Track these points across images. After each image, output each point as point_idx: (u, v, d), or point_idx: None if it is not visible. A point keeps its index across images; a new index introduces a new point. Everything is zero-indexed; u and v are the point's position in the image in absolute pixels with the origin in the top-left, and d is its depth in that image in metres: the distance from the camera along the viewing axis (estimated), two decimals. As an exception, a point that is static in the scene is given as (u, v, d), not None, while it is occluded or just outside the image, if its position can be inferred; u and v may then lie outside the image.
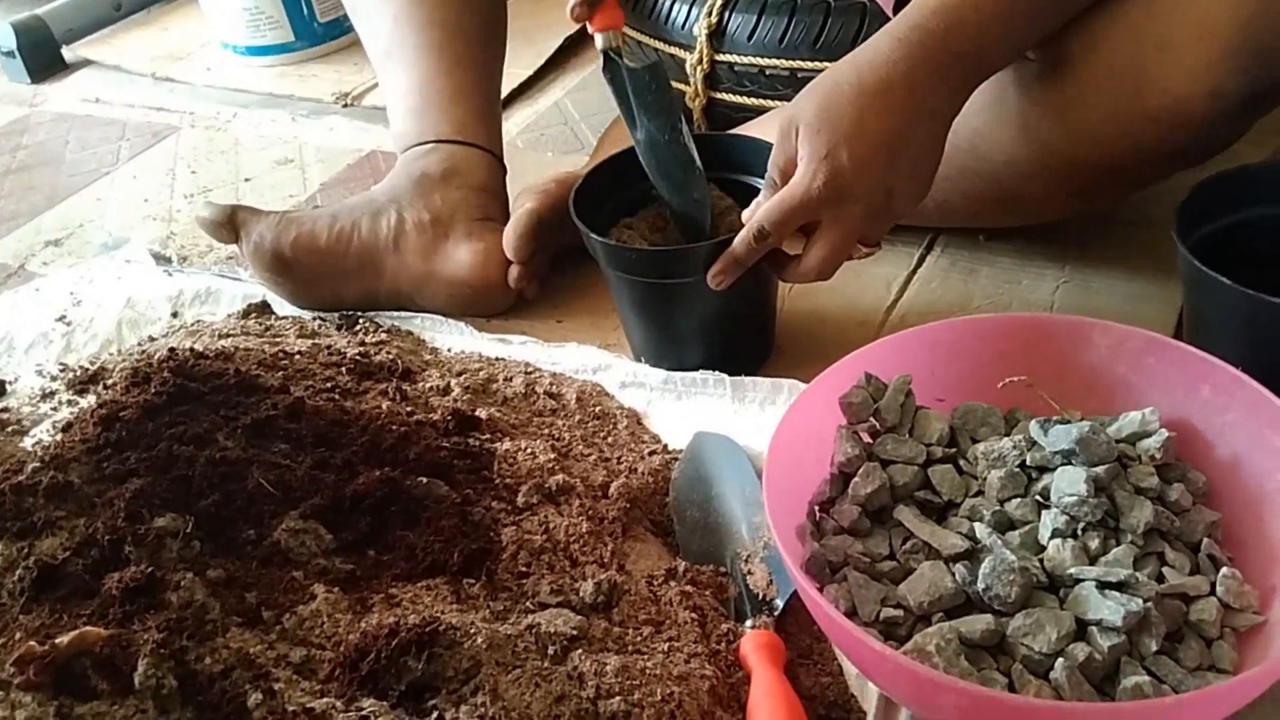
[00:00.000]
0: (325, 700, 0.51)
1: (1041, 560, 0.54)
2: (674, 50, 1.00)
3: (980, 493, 0.60)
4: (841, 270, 0.72)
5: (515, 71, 1.29)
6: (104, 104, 1.41)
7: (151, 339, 0.89)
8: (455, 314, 0.89)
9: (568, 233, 0.80)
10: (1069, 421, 0.59)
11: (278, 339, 0.84)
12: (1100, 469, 0.56)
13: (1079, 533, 0.55)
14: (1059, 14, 0.69)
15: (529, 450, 0.70)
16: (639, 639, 0.57)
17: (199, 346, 0.79)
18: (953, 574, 0.54)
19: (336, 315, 0.90)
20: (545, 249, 0.89)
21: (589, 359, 0.82)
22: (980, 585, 0.53)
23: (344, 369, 0.78)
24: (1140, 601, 0.51)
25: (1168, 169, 0.75)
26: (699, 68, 0.97)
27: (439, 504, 0.64)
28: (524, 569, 0.61)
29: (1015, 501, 0.58)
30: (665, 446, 0.73)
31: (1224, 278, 0.64)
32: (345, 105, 1.33)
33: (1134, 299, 0.84)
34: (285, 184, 1.18)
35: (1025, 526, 0.56)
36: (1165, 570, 0.55)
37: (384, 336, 0.86)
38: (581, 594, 0.59)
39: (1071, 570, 0.53)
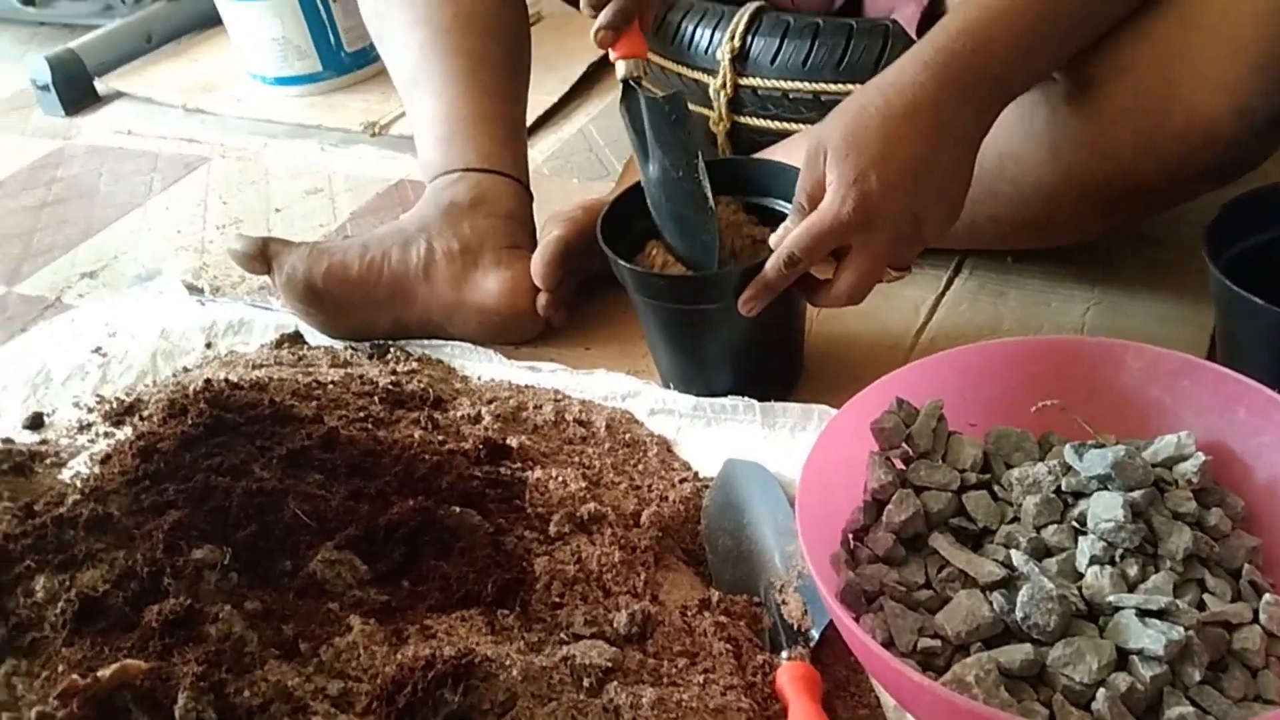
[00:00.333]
0: (363, 733, 0.52)
1: (1080, 588, 0.54)
2: (697, 75, 1.00)
3: (1016, 519, 0.59)
4: (870, 294, 0.72)
5: (540, 99, 1.30)
6: (136, 136, 1.44)
7: (186, 370, 0.90)
8: (485, 342, 0.90)
9: (595, 259, 0.81)
10: (1104, 445, 0.59)
11: (311, 369, 0.84)
12: (1137, 494, 0.56)
13: (1117, 559, 0.55)
14: (1084, 35, 0.69)
15: (560, 479, 0.70)
16: (674, 671, 0.57)
17: (233, 377, 0.80)
18: (990, 602, 0.54)
19: (368, 344, 0.90)
20: (573, 276, 0.89)
21: (618, 386, 0.82)
22: (1018, 614, 0.52)
23: (376, 398, 0.79)
24: (1182, 630, 0.50)
25: (1196, 188, 0.74)
26: (723, 92, 0.98)
27: (472, 534, 0.65)
28: (557, 599, 0.62)
29: (1051, 528, 0.57)
30: (696, 474, 0.74)
31: (1257, 298, 0.63)
32: (373, 134, 1.34)
33: (1165, 320, 0.84)
34: (315, 213, 1.19)
35: (1062, 553, 0.56)
36: (1206, 597, 0.54)
37: (415, 365, 0.86)
38: (615, 625, 0.59)
39: (1110, 598, 0.53)
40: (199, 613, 0.57)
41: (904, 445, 0.63)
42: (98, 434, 0.80)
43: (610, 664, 0.55)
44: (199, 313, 0.97)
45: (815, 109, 0.93)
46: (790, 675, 0.56)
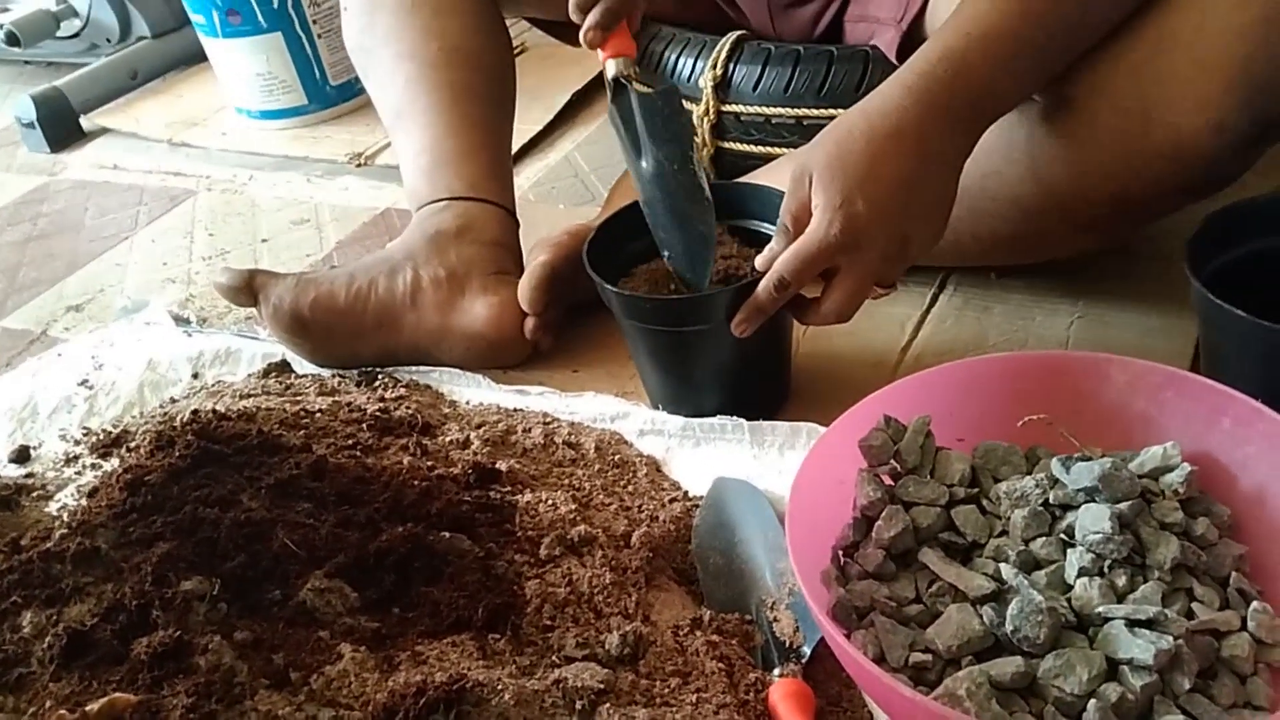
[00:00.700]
0: (355, 761, 0.51)
1: (1069, 600, 0.54)
2: (681, 101, 1.01)
3: (1004, 533, 0.59)
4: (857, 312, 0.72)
5: (525, 127, 1.31)
6: (121, 170, 1.44)
7: (173, 400, 0.90)
8: (473, 367, 0.90)
9: (581, 284, 0.81)
10: (1090, 458, 0.59)
11: (298, 397, 0.84)
12: (1124, 505, 0.56)
13: (1105, 570, 0.55)
14: (1064, 56, 0.70)
15: (550, 501, 0.70)
16: (667, 691, 0.57)
17: (221, 407, 0.80)
18: (980, 616, 0.54)
19: (355, 372, 0.90)
20: (560, 300, 0.89)
21: (606, 408, 0.83)
22: (1009, 627, 0.52)
23: (365, 425, 0.79)
24: (1171, 639, 0.51)
25: (1176, 203, 0.75)
26: (706, 118, 0.99)
27: (462, 559, 0.64)
28: (549, 622, 0.61)
29: (1040, 541, 0.58)
30: (686, 493, 0.74)
31: (1238, 310, 0.64)
32: (359, 165, 1.35)
33: (1149, 332, 0.84)
34: (302, 244, 1.19)
35: (1051, 566, 0.56)
36: (1194, 606, 0.54)
37: (403, 391, 0.86)
38: (607, 646, 0.59)
39: (1100, 609, 0.53)
40: (188, 644, 0.57)
41: (892, 461, 0.63)
42: (84, 466, 0.80)
43: (603, 686, 0.55)
44: (186, 343, 0.97)
45: (798, 134, 0.94)
46: (783, 692, 0.56)
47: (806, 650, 0.60)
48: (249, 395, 0.86)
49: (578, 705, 0.54)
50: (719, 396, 0.79)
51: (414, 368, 0.90)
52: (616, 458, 0.77)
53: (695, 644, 0.60)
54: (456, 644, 0.59)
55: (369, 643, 0.60)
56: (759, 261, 0.73)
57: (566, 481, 0.74)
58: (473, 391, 0.88)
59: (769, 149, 0.98)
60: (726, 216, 0.83)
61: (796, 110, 0.94)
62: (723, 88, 0.98)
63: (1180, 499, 0.58)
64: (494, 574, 0.64)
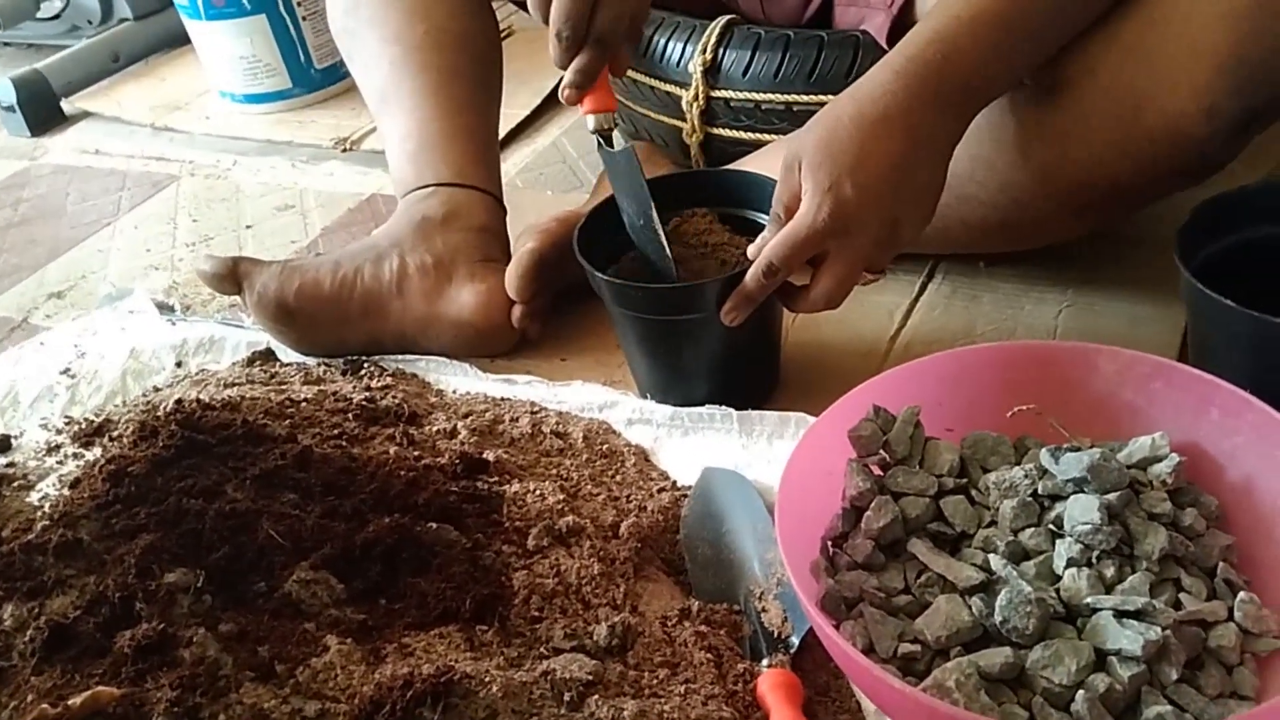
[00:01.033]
0: (341, 754, 0.51)
1: (1057, 590, 0.54)
2: (670, 88, 1.01)
3: (993, 523, 0.59)
4: (846, 299, 0.72)
5: (512, 112, 1.30)
6: (104, 155, 1.42)
7: (156, 389, 0.89)
8: (460, 355, 0.89)
9: (570, 271, 0.81)
10: (1079, 449, 0.59)
11: (283, 386, 0.84)
12: (1112, 496, 0.56)
13: (1094, 561, 0.55)
14: (1054, 40, 0.70)
15: (538, 492, 0.70)
16: (655, 682, 0.56)
17: (205, 396, 0.79)
18: (969, 607, 0.54)
19: (341, 360, 0.90)
20: (548, 288, 0.89)
21: (594, 397, 0.82)
22: (997, 618, 0.52)
23: (350, 415, 0.78)
24: (1159, 629, 0.51)
25: (1167, 188, 0.75)
26: (695, 104, 0.98)
27: (449, 550, 0.64)
28: (537, 613, 0.61)
29: (1029, 531, 0.57)
30: (674, 483, 0.73)
31: (1228, 300, 0.64)
32: (344, 150, 1.34)
33: (1138, 321, 0.84)
34: (287, 230, 1.18)
35: (1040, 556, 0.56)
36: (1182, 596, 0.54)
37: (389, 380, 0.86)
38: (595, 637, 0.59)
39: (1088, 599, 0.53)
40: (172, 637, 0.56)
41: (881, 452, 0.63)
42: (66, 455, 0.79)
43: (591, 677, 0.55)
44: (169, 331, 0.96)
45: (788, 120, 0.94)
46: (771, 683, 0.56)
47: (795, 641, 0.60)
48: (233, 384, 0.85)
49: (566, 697, 0.54)
50: (708, 385, 0.79)
51: (400, 356, 0.90)
52: (604, 447, 0.76)
53: (683, 635, 0.60)
54: (444, 635, 0.59)
55: (355, 634, 0.59)
56: (751, 250, 0.72)
57: (554, 471, 0.74)
58: (460, 380, 0.87)
59: (759, 135, 0.97)
60: (718, 205, 0.82)
61: (786, 96, 0.93)
62: (712, 73, 0.97)
63: (1168, 489, 0.58)
64: (481, 565, 0.63)
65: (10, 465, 0.78)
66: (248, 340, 0.94)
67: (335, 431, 0.76)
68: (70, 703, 0.51)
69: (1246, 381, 0.59)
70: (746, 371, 0.80)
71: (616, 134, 0.81)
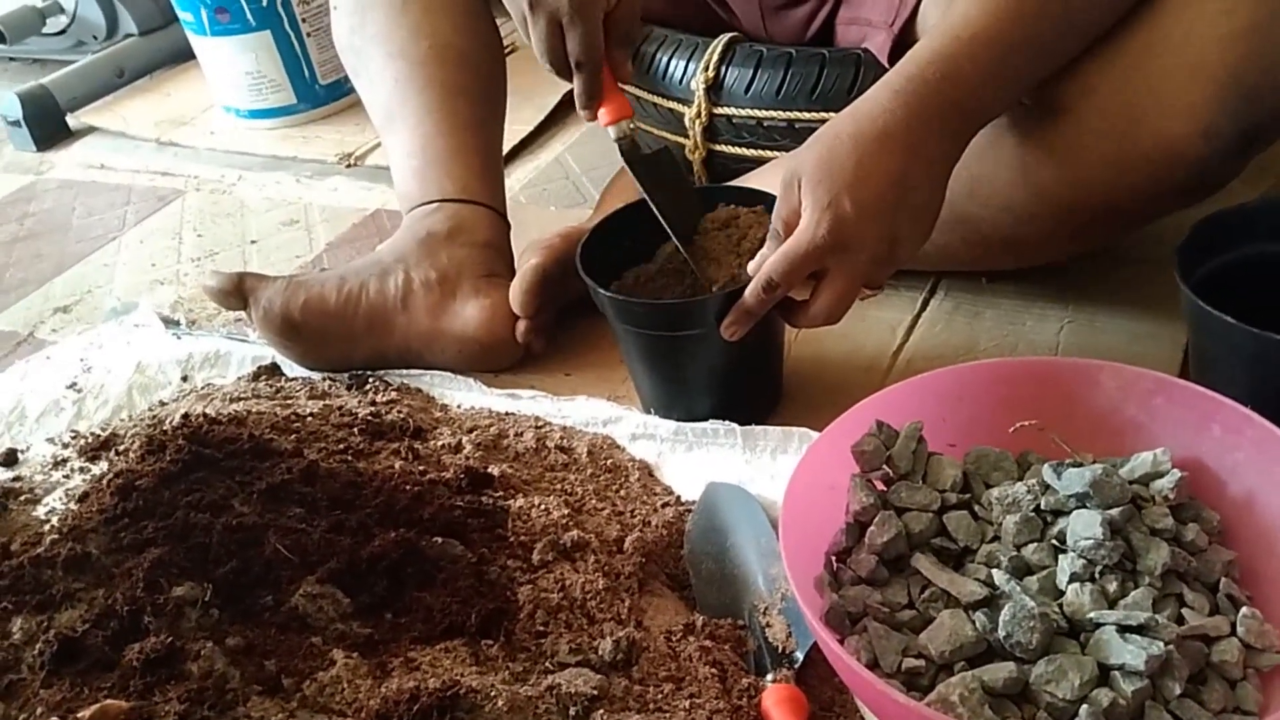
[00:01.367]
0: (348, 768, 0.51)
1: (1061, 605, 0.54)
2: (672, 104, 1.01)
3: (996, 538, 0.60)
4: (846, 314, 0.73)
5: (516, 128, 1.31)
6: (109, 170, 1.43)
7: (162, 403, 0.90)
8: (464, 370, 0.90)
9: (573, 286, 0.81)
10: (1081, 464, 0.60)
11: (289, 401, 0.84)
12: (1115, 511, 0.56)
13: (1097, 576, 0.55)
14: (1053, 60, 0.71)
15: (542, 506, 0.70)
16: (660, 697, 0.57)
17: (211, 411, 0.80)
18: (973, 622, 0.54)
19: (346, 375, 0.90)
20: (551, 303, 0.89)
21: (599, 412, 0.82)
22: (1001, 633, 0.52)
23: (356, 429, 0.79)
24: (1162, 644, 0.51)
25: (1165, 208, 0.76)
26: (698, 121, 0.99)
27: (454, 564, 0.64)
28: (542, 628, 0.61)
29: (1032, 546, 0.58)
30: (678, 498, 0.74)
31: (1228, 316, 0.64)
32: (349, 165, 1.35)
33: (1139, 337, 0.85)
34: (291, 245, 1.19)
35: (1043, 571, 0.56)
36: (1185, 612, 0.55)
37: (394, 395, 0.86)
38: (600, 652, 0.59)
39: (1091, 615, 0.53)
40: (180, 650, 0.57)
41: (885, 467, 0.63)
42: (73, 470, 0.79)
43: (596, 692, 0.55)
44: (175, 346, 0.97)
45: (790, 136, 0.95)
46: (775, 698, 0.56)
47: (799, 655, 0.60)
48: (239, 399, 0.85)
49: (571, 711, 0.54)
50: (711, 400, 0.79)
51: (405, 371, 0.90)
52: (609, 462, 0.77)
53: (688, 649, 0.60)
54: (449, 650, 0.59)
55: (361, 649, 0.59)
56: (751, 266, 0.73)
57: (559, 486, 0.74)
58: (464, 395, 0.88)
59: (761, 152, 0.98)
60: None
61: (788, 113, 0.94)
62: (715, 90, 0.98)
63: (1170, 505, 0.58)
64: (486, 579, 0.64)
65: (17, 479, 0.79)
66: (253, 355, 0.94)
67: (341, 446, 0.77)
68: (79, 716, 0.52)
69: (1247, 397, 0.59)
70: (749, 386, 0.81)
71: (638, 138, 0.82)
